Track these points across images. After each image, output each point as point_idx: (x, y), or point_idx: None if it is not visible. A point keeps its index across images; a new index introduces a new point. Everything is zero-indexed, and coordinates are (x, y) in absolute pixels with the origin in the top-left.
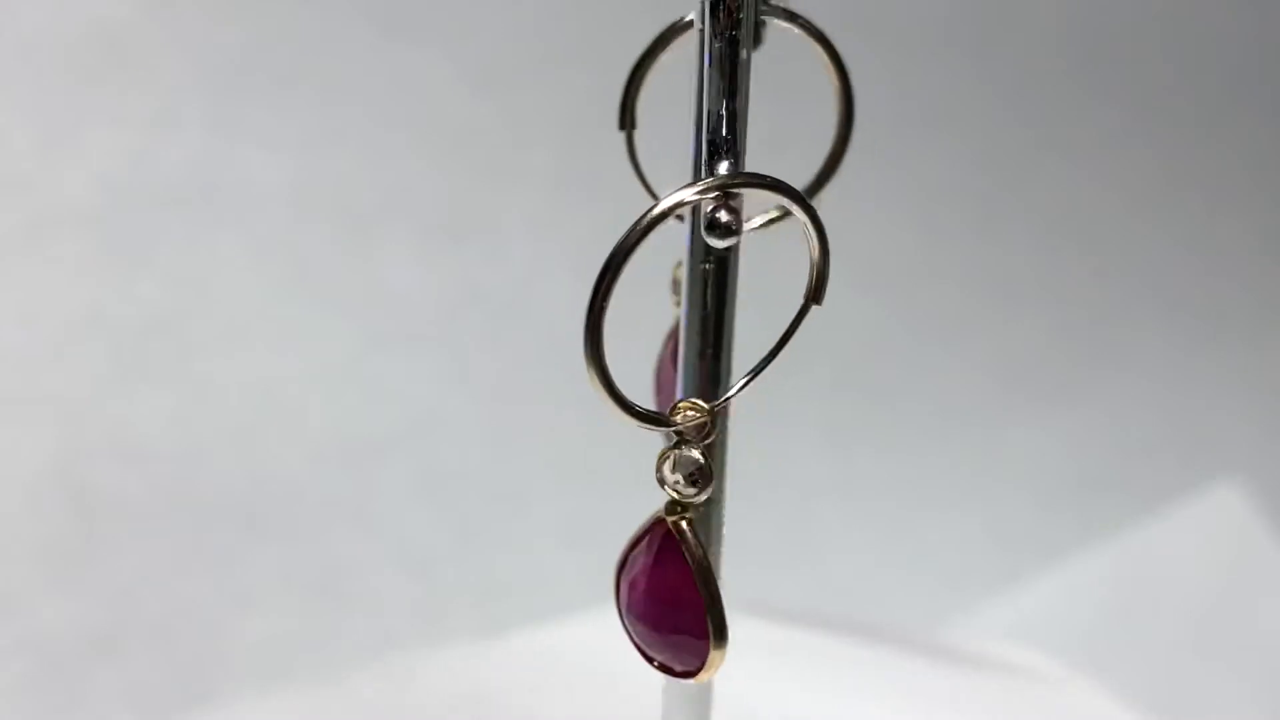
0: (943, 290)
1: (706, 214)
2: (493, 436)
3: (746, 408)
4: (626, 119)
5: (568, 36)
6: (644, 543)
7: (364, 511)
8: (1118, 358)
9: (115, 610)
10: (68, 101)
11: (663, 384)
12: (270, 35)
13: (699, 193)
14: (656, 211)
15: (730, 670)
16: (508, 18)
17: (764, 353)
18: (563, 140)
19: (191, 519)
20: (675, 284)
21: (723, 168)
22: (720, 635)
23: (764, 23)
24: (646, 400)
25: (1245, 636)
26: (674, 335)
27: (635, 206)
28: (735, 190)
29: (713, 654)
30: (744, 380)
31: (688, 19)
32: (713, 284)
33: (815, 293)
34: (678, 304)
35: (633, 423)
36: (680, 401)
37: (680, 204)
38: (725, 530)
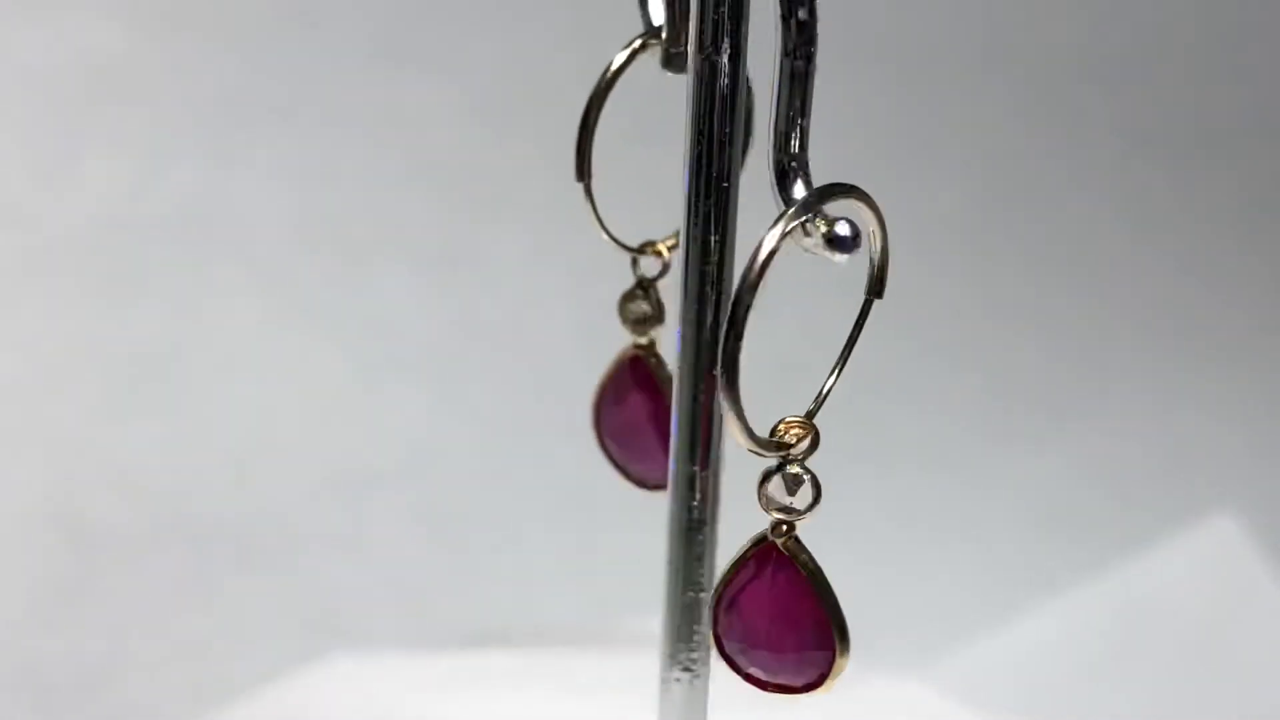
0: (933, 322)
1: (823, 232)
2: (490, 468)
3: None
4: (584, 169)
5: (566, 69)
6: (746, 572)
7: (360, 543)
8: (1108, 388)
9: (110, 644)
10: (64, 132)
11: (628, 421)
12: (268, 66)
13: (799, 219)
14: (766, 253)
15: (717, 699)
16: (506, 50)
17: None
18: (560, 172)
19: (187, 551)
20: (630, 314)
21: (799, 188)
22: (845, 640)
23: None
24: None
25: (1244, 668)
26: (624, 367)
27: (632, 239)
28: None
29: (839, 660)
30: (829, 384)
31: (622, 57)
32: (712, 302)
33: (878, 286)
34: (640, 334)
35: (754, 449)
36: (783, 421)
37: (785, 235)
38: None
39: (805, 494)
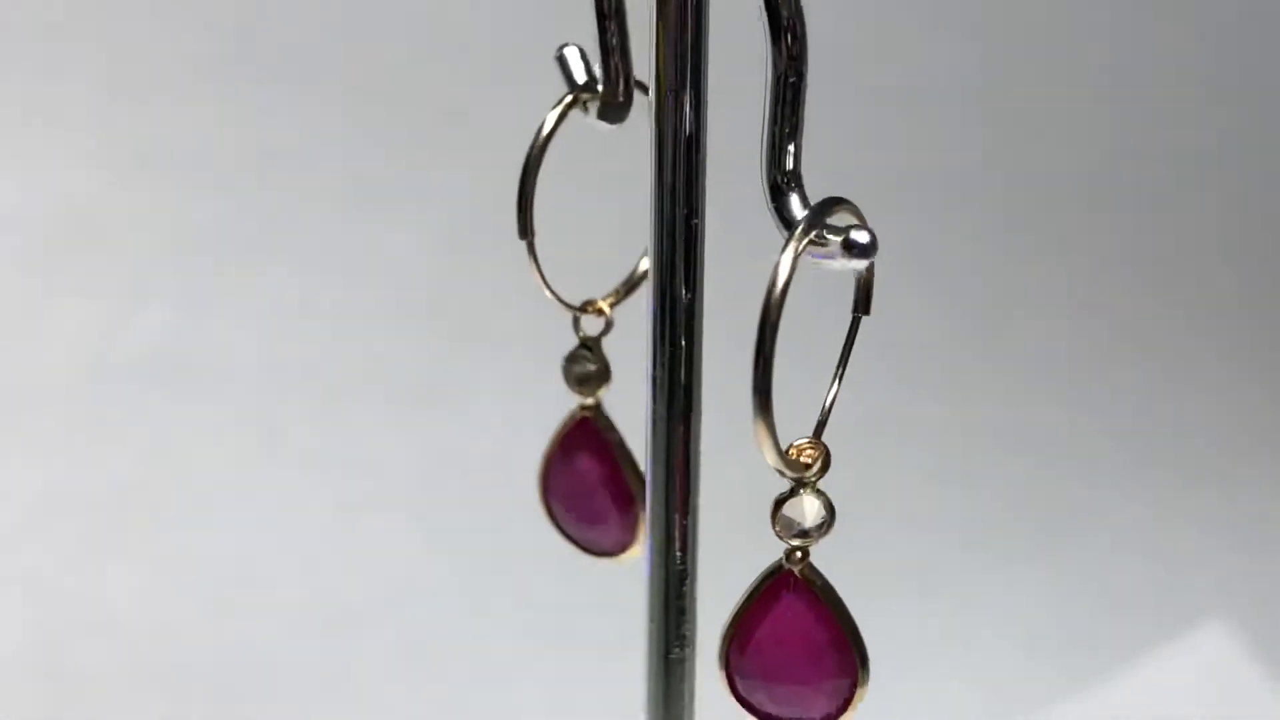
0: (918, 442)
1: (841, 241)
2: (471, 605)
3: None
4: (526, 227)
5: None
6: (761, 606)
7: (342, 685)
8: (1096, 505)
9: None
10: (38, 276)
11: (578, 486)
12: (240, 207)
13: (809, 237)
14: (785, 275)
15: None
16: (475, 186)
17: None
18: (533, 304)
19: (166, 695)
20: (575, 375)
21: (795, 202)
22: (866, 666)
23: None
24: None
25: None
26: (571, 430)
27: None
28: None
29: (860, 687)
30: (829, 401)
31: (554, 116)
32: (684, 335)
33: (865, 304)
34: (586, 395)
35: (782, 469)
36: (793, 445)
37: (799, 254)
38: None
39: (820, 516)
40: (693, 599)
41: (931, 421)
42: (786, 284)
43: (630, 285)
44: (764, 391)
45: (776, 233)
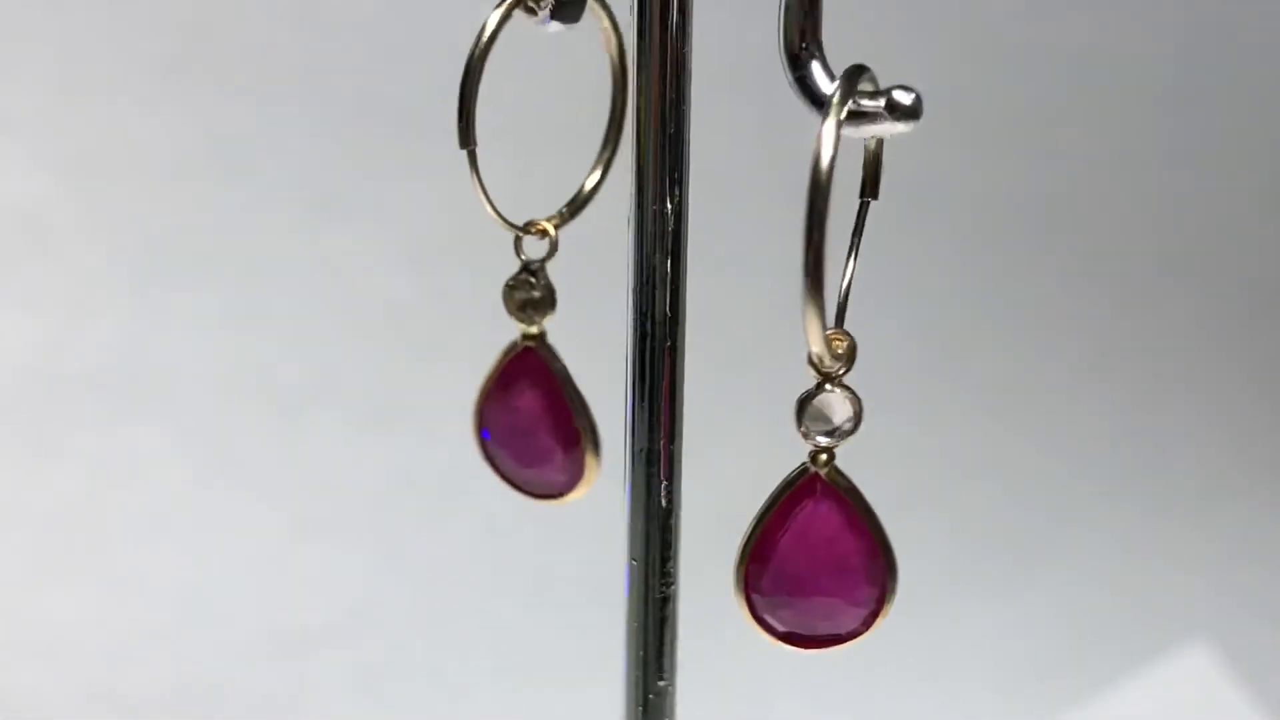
0: (893, 471)
1: (884, 104)
2: (431, 626)
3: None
4: (468, 135)
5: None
6: (783, 513)
7: (297, 710)
8: (1071, 532)
9: None
10: None
11: (519, 422)
12: (192, 215)
13: (847, 105)
14: (829, 155)
15: None
16: (436, 198)
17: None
18: (491, 319)
19: None
20: (517, 301)
21: (818, 71)
22: (895, 573)
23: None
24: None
25: None
26: (512, 362)
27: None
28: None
29: (889, 596)
30: (845, 286)
31: (497, 17)
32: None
33: (874, 187)
34: (529, 323)
35: (823, 354)
36: (831, 333)
37: (841, 122)
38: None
39: (849, 412)
40: (677, 536)
41: (901, 449)
42: (833, 159)
43: (577, 205)
44: (815, 275)
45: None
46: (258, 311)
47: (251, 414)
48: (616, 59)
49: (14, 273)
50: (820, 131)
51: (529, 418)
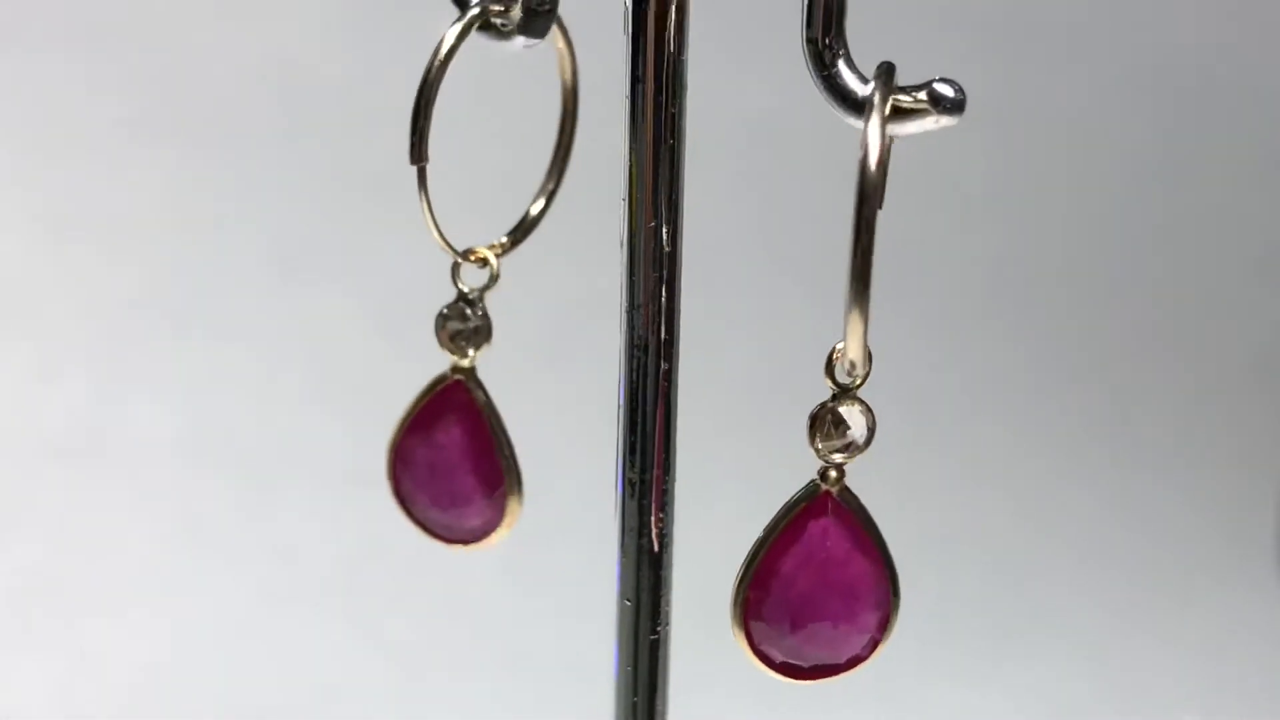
0: None
1: (925, 98)
2: (403, 703)
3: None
4: (419, 151)
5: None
6: (790, 534)
7: None
8: (1053, 610)
9: None
10: None
11: (438, 458)
12: (161, 276)
13: (889, 103)
14: (877, 155)
15: None
16: (406, 260)
17: None
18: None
19: None
20: (449, 330)
21: (846, 71)
22: (898, 596)
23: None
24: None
25: None
26: (438, 395)
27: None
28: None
29: (891, 625)
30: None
31: (455, 32)
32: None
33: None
34: (460, 354)
35: (860, 365)
36: (835, 351)
37: (886, 119)
38: None
39: (867, 426)
40: (670, 572)
41: (879, 522)
42: (881, 159)
43: (520, 233)
44: (863, 280)
45: None
46: (227, 374)
47: (220, 479)
48: (569, 82)
49: None
50: (866, 131)
51: (451, 456)
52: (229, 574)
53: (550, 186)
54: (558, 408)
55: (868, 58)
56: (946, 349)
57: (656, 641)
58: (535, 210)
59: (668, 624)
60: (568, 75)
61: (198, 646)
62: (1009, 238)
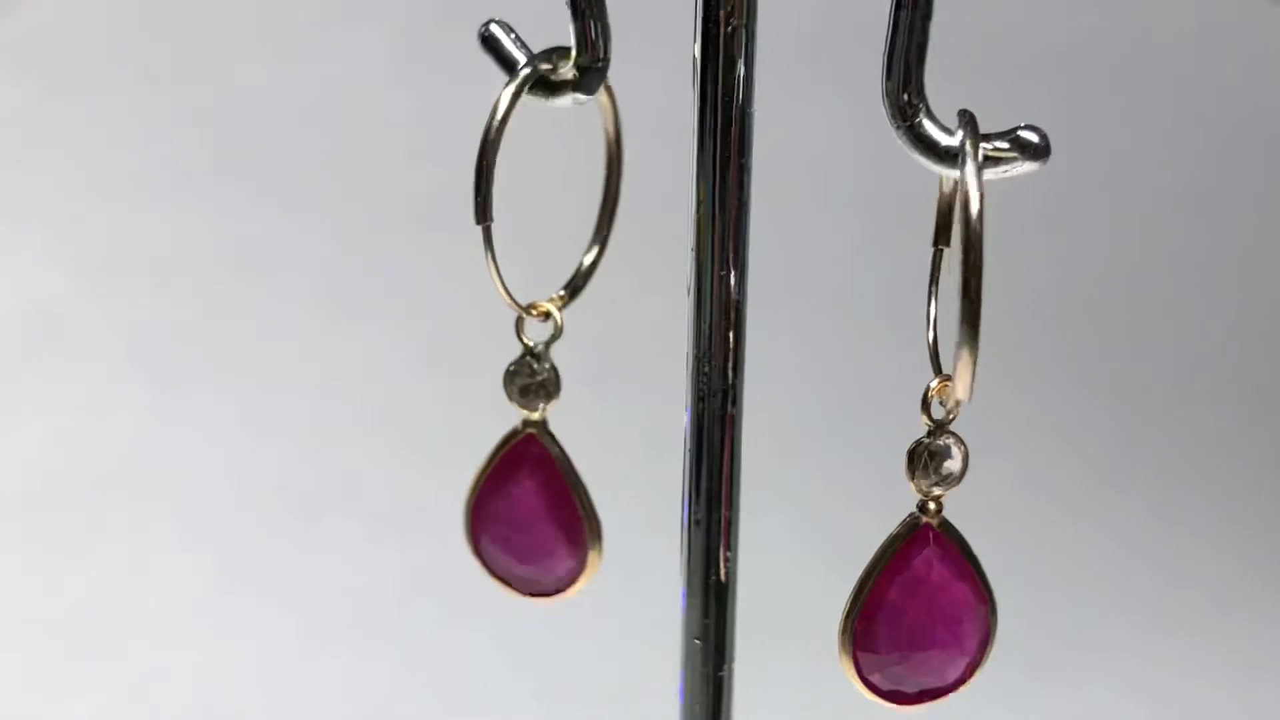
0: None
1: (1009, 145)
2: None
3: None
4: (484, 211)
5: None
6: (895, 568)
7: None
8: (1081, 646)
9: None
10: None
11: (517, 514)
12: (211, 315)
13: (986, 147)
14: (977, 204)
15: None
16: (454, 297)
17: None
18: (507, 422)
19: None
20: (519, 385)
21: (929, 124)
22: (996, 615)
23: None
24: None
25: None
26: (511, 450)
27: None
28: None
29: (990, 647)
30: (933, 341)
31: (511, 91)
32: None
33: (946, 235)
34: (531, 409)
35: (950, 408)
36: (939, 382)
37: (981, 168)
38: None
39: (964, 459)
40: (734, 611)
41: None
42: (982, 209)
43: (576, 285)
44: (974, 324)
45: None
46: (274, 413)
47: (268, 514)
48: (613, 135)
49: (30, 371)
50: (965, 180)
51: (529, 509)
52: (278, 608)
53: (601, 236)
54: (606, 448)
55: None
56: (981, 371)
57: (721, 678)
58: (588, 261)
59: (732, 660)
60: (611, 127)
61: (246, 680)
62: (1034, 273)
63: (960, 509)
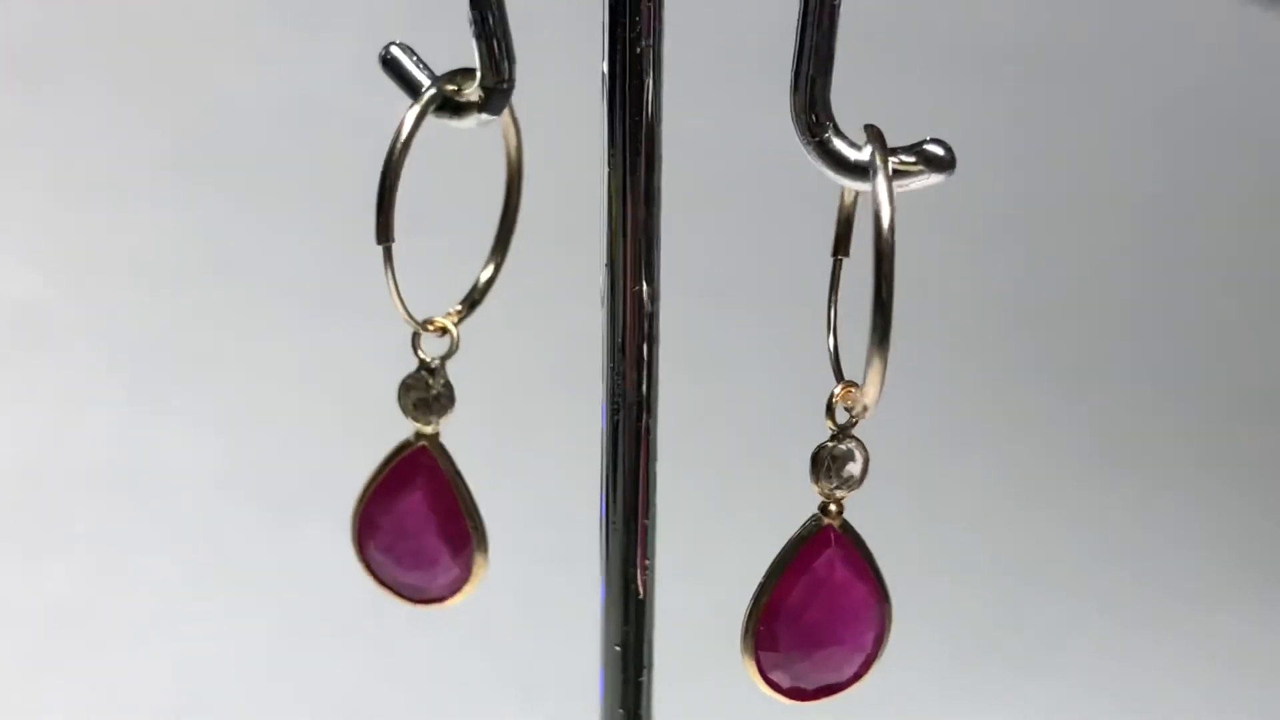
0: (890, 572)
1: (915, 159)
2: None
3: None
4: (386, 231)
5: (500, 311)
6: (796, 568)
7: None
8: (1063, 644)
9: None
10: None
11: (404, 524)
12: (189, 315)
13: (893, 160)
14: (888, 215)
15: None
16: (435, 297)
17: None
18: (492, 420)
19: None
20: (413, 399)
21: (837, 140)
22: (890, 608)
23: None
24: None
25: None
26: (403, 461)
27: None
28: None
29: (885, 641)
30: (834, 349)
31: (415, 113)
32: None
33: (845, 245)
34: (425, 422)
35: (854, 414)
36: (834, 394)
37: (891, 179)
38: None
39: (864, 462)
40: (653, 618)
41: (889, 555)
42: (893, 219)
43: (473, 301)
44: (884, 333)
45: None
46: (253, 412)
47: (248, 511)
48: (514, 154)
49: (8, 369)
50: (876, 194)
51: (417, 519)
52: (258, 606)
53: (499, 252)
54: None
55: (885, 104)
56: (954, 387)
57: (641, 684)
58: (485, 277)
59: (650, 667)
60: (512, 146)
61: (226, 677)
62: (1008, 274)
63: (938, 507)
